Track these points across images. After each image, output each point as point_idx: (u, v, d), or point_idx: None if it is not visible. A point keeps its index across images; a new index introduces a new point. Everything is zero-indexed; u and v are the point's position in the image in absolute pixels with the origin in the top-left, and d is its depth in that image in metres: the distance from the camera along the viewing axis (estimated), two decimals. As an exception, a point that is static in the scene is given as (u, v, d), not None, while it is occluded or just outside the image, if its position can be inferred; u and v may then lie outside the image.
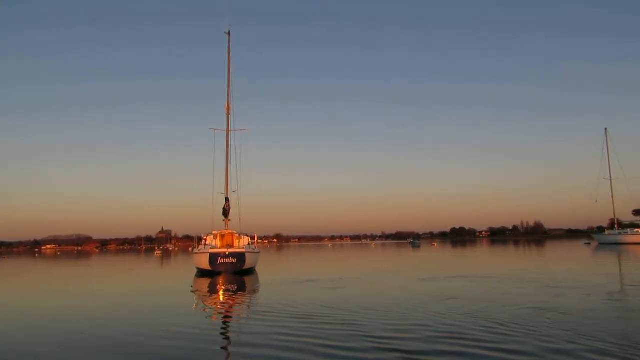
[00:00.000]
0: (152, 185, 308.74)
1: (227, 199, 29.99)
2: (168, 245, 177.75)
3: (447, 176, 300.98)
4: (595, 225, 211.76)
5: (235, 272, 23.78)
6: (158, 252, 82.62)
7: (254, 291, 16.40)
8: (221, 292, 16.22)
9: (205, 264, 24.21)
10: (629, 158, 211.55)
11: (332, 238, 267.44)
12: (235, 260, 24.06)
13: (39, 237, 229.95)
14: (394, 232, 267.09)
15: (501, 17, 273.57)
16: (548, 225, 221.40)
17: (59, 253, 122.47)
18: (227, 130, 30.52)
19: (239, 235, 27.29)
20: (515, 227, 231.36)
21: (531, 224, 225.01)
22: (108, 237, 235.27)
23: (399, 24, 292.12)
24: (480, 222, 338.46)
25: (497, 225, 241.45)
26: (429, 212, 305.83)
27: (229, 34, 31.57)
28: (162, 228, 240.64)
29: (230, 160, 30.28)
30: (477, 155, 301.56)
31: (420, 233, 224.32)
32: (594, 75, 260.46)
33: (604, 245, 60.48)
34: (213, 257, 23.94)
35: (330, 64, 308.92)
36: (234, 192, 29.95)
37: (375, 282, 18.14)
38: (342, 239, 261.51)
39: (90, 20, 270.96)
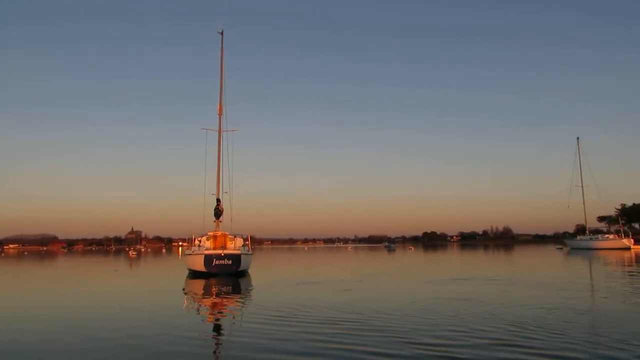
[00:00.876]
0: (124, 185, 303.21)
1: (218, 200, 29.66)
2: (138, 246, 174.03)
3: (418, 181, 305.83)
4: (561, 230, 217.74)
5: (230, 274, 23.56)
6: (133, 253, 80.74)
7: (259, 293, 16.07)
8: (226, 294, 15.97)
9: (199, 265, 23.86)
10: (600, 165, 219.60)
11: (305, 241, 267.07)
12: (230, 262, 23.79)
13: (0, 236, 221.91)
14: (366, 235, 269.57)
15: (476, 25, 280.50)
16: (516, 230, 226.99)
17: (25, 253, 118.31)
18: (219, 131, 30.22)
19: (233, 236, 27.02)
20: (485, 232, 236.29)
21: (500, 229, 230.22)
22: (74, 237, 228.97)
23: (385, 30, 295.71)
24: (451, 226, 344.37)
25: (467, 230, 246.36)
26: (400, 217, 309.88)
27: (222, 34, 31.29)
28: (132, 228, 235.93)
29: (222, 161, 30.01)
30: (450, 161, 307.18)
31: (393, 237, 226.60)
32: (566, 84, 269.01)
33: (576, 250, 62.55)
34: (208, 259, 23.61)
35: (313, 68, 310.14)
36: (225, 193, 29.70)
37: (383, 285, 18.17)
38: (315, 242, 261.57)
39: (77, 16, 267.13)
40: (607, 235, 67.22)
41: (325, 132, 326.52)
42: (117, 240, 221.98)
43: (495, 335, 8.02)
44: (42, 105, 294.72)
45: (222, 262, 23.63)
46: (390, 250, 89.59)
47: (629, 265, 28.27)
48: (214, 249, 25.11)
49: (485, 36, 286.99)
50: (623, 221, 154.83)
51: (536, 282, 18.25)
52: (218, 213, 28.88)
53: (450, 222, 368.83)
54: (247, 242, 27.34)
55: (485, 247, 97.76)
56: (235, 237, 27.13)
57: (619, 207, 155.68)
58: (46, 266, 42.89)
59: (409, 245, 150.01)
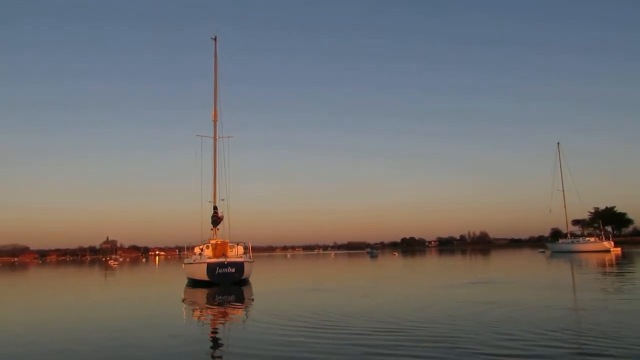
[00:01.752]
0: (99, 194, 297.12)
1: (215, 208, 29.22)
2: (114, 256, 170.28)
3: (395, 187, 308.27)
4: (536, 235, 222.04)
5: (234, 283, 23.16)
6: (114, 263, 78.90)
7: (274, 302, 15.59)
8: (234, 303, 15.68)
9: (202, 274, 23.39)
10: (580, 169, 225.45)
11: (284, 248, 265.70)
12: (233, 270, 23.40)
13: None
14: (345, 242, 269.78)
15: (456, 30, 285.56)
16: (492, 235, 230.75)
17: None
18: (215, 137, 29.82)
19: (232, 244, 26.59)
20: (462, 237, 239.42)
21: (477, 233, 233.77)
22: (47, 248, 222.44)
23: (368, 34, 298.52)
24: (429, 232, 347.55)
25: (445, 235, 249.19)
26: (378, 223, 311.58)
27: (215, 39, 30.96)
28: (107, 238, 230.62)
29: (218, 168, 29.62)
30: (426, 167, 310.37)
31: (371, 243, 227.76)
32: (547, 89, 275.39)
33: (557, 253, 63.80)
34: (211, 267, 23.16)
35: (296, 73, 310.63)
36: (222, 200, 29.29)
37: (398, 290, 18.07)
38: (294, 249, 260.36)
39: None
40: (588, 238, 68.91)
41: (301, 138, 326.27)
42: (92, 250, 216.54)
43: (560, 338, 7.97)
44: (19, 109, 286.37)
45: (225, 270, 23.23)
46: (372, 256, 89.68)
47: (619, 266, 28.92)
48: (215, 257, 24.68)
49: (466, 41, 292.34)
50: (596, 224, 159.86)
51: (545, 283, 18.54)
52: (216, 221, 28.42)
53: (428, 228, 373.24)
54: (248, 250, 26.89)
55: (463, 252, 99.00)
56: (234, 244, 26.67)
57: (592, 211, 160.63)
58: (32, 277, 41.49)
59: (388, 251, 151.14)
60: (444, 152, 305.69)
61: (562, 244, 70.59)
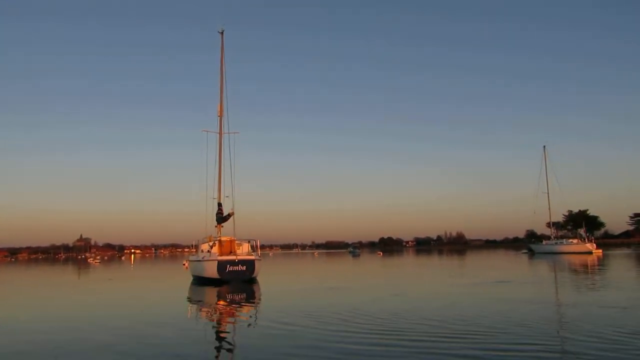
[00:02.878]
0: (73, 192, 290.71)
1: (219, 204, 28.76)
2: (88, 254, 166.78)
3: (374, 186, 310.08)
4: (511, 236, 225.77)
5: (244, 281, 22.84)
6: (96, 261, 77.04)
7: (300, 302, 15.19)
8: (251, 301, 15.44)
9: (212, 271, 22.96)
10: (564, 172, 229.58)
11: (262, 247, 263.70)
12: (244, 268, 23.08)
13: None
14: (323, 241, 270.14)
15: (446, 33, 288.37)
16: (469, 235, 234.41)
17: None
18: (220, 133, 29.35)
19: (239, 242, 26.17)
20: (439, 237, 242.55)
21: (454, 234, 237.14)
22: (17, 245, 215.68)
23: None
24: (406, 232, 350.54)
25: (422, 235, 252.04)
26: (356, 222, 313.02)
27: (222, 33, 30.43)
28: (81, 236, 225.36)
29: (223, 164, 29.15)
30: (405, 167, 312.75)
31: (350, 242, 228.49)
32: (533, 93, 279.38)
33: (541, 254, 65.13)
34: (222, 265, 22.79)
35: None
36: (227, 197, 28.83)
37: (424, 289, 18.07)
38: (272, 248, 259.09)
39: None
40: (571, 240, 70.50)
41: (275, 137, 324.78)
42: (65, 248, 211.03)
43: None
44: None
45: (235, 268, 22.89)
46: (354, 255, 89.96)
47: (615, 267, 29.66)
48: (222, 254, 24.23)
49: (450, 44, 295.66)
50: (570, 226, 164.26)
51: (559, 282, 18.86)
52: (221, 218, 27.97)
53: (405, 228, 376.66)
54: (256, 248, 26.49)
55: (440, 252, 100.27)
56: (241, 242, 26.23)
57: (566, 214, 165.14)
58: (23, 275, 40.13)
59: (367, 251, 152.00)
60: (421, 152, 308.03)
61: (545, 245, 72.12)
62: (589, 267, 30.68)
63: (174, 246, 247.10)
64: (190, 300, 16.85)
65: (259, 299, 16.26)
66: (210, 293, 18.56)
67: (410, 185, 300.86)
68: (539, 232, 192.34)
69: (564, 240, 71.62)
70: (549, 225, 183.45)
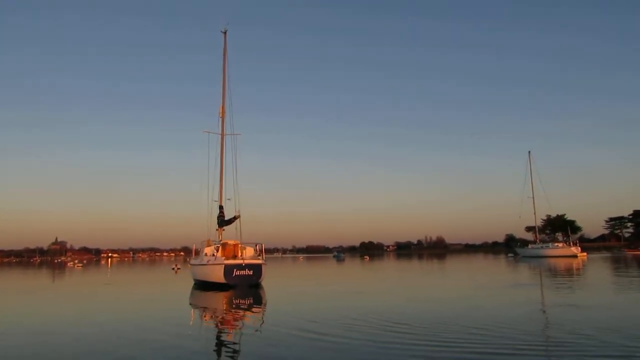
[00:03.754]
0: (48, 195, 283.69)
1: (221, 207, 28.09)
2: (64, 258, 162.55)
3: (354, 191, 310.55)
4: (490, 240, 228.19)
5: (251, 285, 22.22)
6: (78, 265, 74.87)
7: (324, 309, 14.84)
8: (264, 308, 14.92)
9: (217, 276, 22.31)
10: (548, 176, 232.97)
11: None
12: (251, 273, 22.49)
13: None
14: (304, 245, 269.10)
15: (425, 36, 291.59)
16: (448, 240, 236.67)
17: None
18: (222, 134, 28.71)
19: (243, 245, 25.52)
20: (419, 242, 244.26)
21: (434, 238, 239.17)
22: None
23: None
24: (387, 236, 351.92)
25: (403, 239, 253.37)
26: (336, 226, 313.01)
27: (225, 33, 29.84)
28: (56, 239, 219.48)
29: (225, 166, 28.54)
30: (387, 171, 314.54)
31: (330, 247, 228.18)
32: (517, 99, 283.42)
33: (526, 257, 66.00)
34: (228, 269, 22.14)
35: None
36: (228, 199, 28.19)
37: (445, 294, 17.84)
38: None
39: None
40: (556, 244, 71.63)
41: (256, 139, 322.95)
42: (40, 252, 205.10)
43: None
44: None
45: (242, 272, 22.29)
46: (339, 260, 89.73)
47: (609, 269, 30.01)
48: (225, 258, 23.55)
49: (435, 47, 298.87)
50: (548, 231, 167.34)
51: (582, 284, 18.91)
52: (223, 221, 27.30)
53: (385, 232, 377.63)
54: (260, 251, 25.78)
55: (420, 256, 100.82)
56: (245, 246, 25.51)
57: (545, 218, 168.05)
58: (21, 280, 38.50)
59: (348, 255, 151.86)
60: (401, 157, 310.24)
61: (531, 249, 73.09)
62: (579, 270, 31.01)
63: (153, 250, 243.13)
64: (195, 305, 16.16)
65: (271, 304, 15.74)
66: (216, 298, 18.00)
67: (392, 190, 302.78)
68: (518, 236, 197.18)
69: (550, 244, 72.75)
70: (528, 229, 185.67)
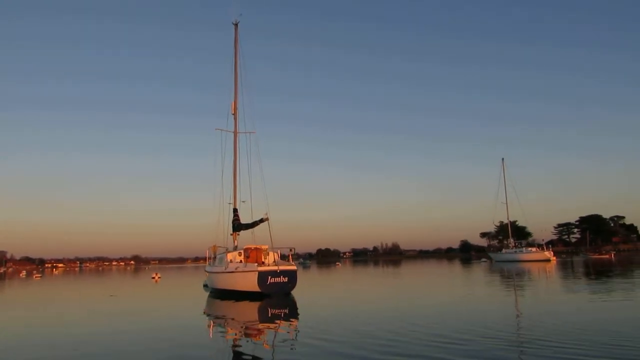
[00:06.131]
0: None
1: (235, 210, 26.17)
2: (4, 268, 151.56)
3: (310, 198, 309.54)
4: (444, 246, 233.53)
5: (286, 294, 20.51)
6: (37, 275, 69.21)
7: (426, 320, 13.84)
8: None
9: (250, 284, 20.36)
10: (521, 183, 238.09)
11: (196, 259, 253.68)
12: (286, 280, 20.76)
13: None
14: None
15: (403, 44, 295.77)
16: (403, 246, 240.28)
17: None
18: (235, 132, 26.82)
19: (268, 251, 23.67)
20: (375, 248, 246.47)
21: (389, 245, 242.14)
22: None
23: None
24: (342, 243, 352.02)
25: (358, 246, 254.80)
26: (290, 233, 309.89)
27: (236, 25, 27.99)
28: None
29: (238, 166, 26.63)
30: (342, 177, 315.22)
31: (285, 254, 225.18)
32: (491, 107, 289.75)
33: (500, 262, 67.16)
34: (263, 277, 20.29)
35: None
36: (243, 202, 26.31)
37: (492, 301, 17.10)
38: (198, 260, 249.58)
39: None
40: (530, 248, 73.46)
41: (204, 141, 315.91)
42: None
43: None
44: None
45: (277, 280, 20.52)
46: (305, 267, 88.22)
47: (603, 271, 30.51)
48: (258, 265, 21.52)
49: (412, 54, 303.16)
50: (501, 236, 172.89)
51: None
52: (240, 226, 25.38)
53: (341, 239, 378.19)
54: (288, 257, 23.94)
55: (376, 263, 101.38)
56: (269, 251, 23.60)
57: (498, 224, 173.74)
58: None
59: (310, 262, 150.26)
60: (357, 163, 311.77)
61: (505, 253, 74.57)
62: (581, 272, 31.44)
63: (101, 259, 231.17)
64: (225, 319, 14.01)
65: (303, 314, 14.39)
66: (250, 309, 16.34)
67: (344, 198, 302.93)
68: (473, 242, 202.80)
69: (524, 248, 74.54)
70: (482, 235, 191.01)
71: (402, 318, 11.95)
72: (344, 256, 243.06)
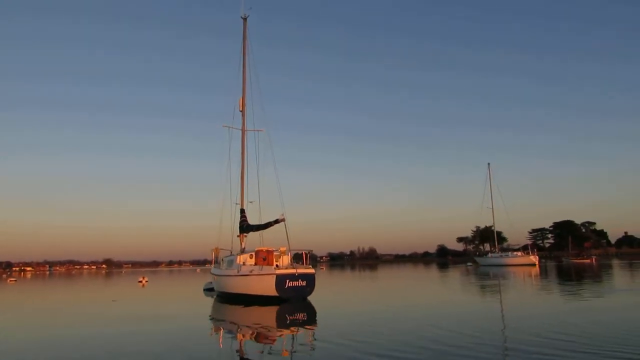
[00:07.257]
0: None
1: (242, 211, 25.21)
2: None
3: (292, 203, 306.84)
4: (420, 251, 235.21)
5: (304, 298, 19.71)
6: (12, 280, 66.15)
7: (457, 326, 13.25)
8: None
9: (268, 288, 19.42)
10: (507, 188, 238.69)
11: (170, 263, 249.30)
12: (304, 284, 19.92)
13: None
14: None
15: (389, 51, 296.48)
16: (380, 251, 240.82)
17: None
18: (243, 130, 25.89)
19: (277, 252, 22.75)
20: (352, 252, 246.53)
21: (366, 249, 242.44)
22: None
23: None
24: (319, 247, 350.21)
25: (335, 250, 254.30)
26: (268, 236, 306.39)
27: (245, 19, 27.06)
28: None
29: (246, 165, 25.69)
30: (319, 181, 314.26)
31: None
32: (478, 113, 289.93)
33: (486, 266, 67.60)
34: (281, 280, 19.40)
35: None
36: (250, 202, 25.39)
37: (511, 305, 16.73)
38: (182, 264, 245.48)
39: None
40: (515, 253, 74.16)
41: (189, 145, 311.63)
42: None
43: None
44: None
45: (295, 283, 19.69)
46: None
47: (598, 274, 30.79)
48: (276, 268, 20.63)
49: (399, 60, 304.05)
50: (477, 241, 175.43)
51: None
52: (249, 227, 24.42)
53: (317, 243, 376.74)
54: (306, 259, 23.04)
55: (352, 267, 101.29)
56: (281, 253, 22.70)
57: (474, 229, 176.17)
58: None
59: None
60: (345, 167, 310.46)
61: (491, 257, 75.08)
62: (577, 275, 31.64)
63: (71, 262, 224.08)
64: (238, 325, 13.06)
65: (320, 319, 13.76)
66: (267, 314, 15.58)
67: (323, 201, 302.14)
68: (450, 247, 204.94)
69: (510, 252, 75.29)
70: (459, 240, 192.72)
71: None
72: (321, 260, 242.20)
